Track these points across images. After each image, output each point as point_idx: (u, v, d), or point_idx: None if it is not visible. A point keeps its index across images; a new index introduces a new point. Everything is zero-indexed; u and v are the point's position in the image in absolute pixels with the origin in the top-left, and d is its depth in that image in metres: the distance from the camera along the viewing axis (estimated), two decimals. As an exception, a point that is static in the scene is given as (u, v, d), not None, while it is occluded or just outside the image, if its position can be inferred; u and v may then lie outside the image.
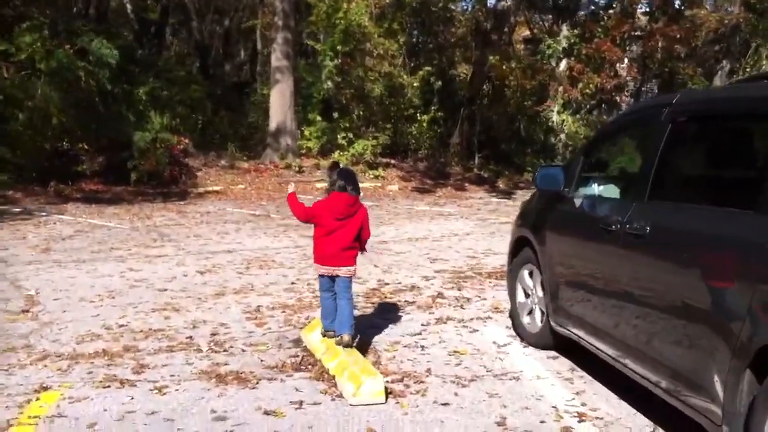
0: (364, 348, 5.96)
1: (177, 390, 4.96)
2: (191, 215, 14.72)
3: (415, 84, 21.95)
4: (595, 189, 5.63)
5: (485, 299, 7.75)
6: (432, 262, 9.88)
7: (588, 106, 24.97)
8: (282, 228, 12.99)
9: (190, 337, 6.23)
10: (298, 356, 5.74)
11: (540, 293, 5.95)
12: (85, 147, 19.61)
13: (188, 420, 4.47)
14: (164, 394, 4.89)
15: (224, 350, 5.89)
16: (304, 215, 5.81)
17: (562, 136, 23.64)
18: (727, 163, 4.22)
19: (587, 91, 22.97)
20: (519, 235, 6.31)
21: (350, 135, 21.66)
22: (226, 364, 5.52)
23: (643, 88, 27.45)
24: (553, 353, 5.88)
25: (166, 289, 8.02)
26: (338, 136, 21.76)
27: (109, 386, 5.01)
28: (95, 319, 6.78)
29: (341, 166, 6.14)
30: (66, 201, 16.30)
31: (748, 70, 25.41)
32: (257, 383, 5.11)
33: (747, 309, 3.34)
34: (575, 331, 5.28)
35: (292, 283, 8.41)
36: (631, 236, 4.38)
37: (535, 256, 5.91)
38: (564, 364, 5.65)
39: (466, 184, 21.12)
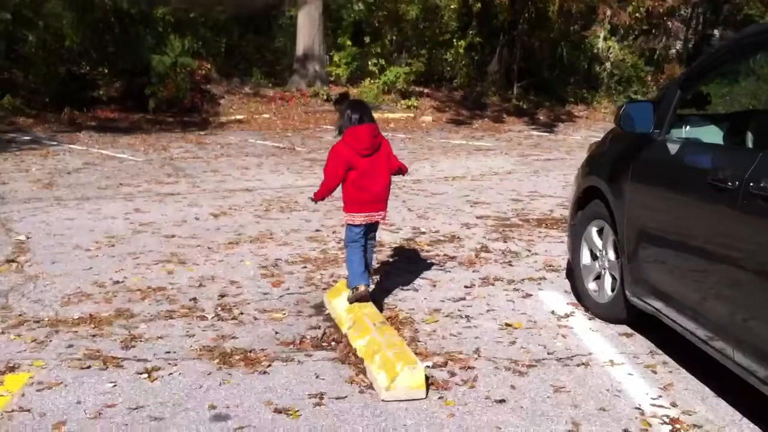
0: (398, 317, 5.01)
1: (171, 374, 4.05)
2: (211, 147, 13.71)
3: (452, 6, 20.46)
4: (694, 131, 4.52)
5: (536, 254, 6.72)
6: (472, 205, 8.83)
7: (636, 32, 23.33)
8: (308, 163, 11.97)
9: (194, 299, 5.30)
10: (319, 328, 4.79)
11: (612, 256, 4.91)
12: (104, 71, 18.58)
13: (180, 419, 3.56)
14: (154, 380, 3.98)
15: (233, 318, 4.96)
16: (333, 174, 4.85)
17: (608, 64, 22.13)
18: None
19: (637, 14, 21.32)
20: (588, 184, 5.22)
21: (382, 62, 20.31)
22: (233, 338, 4.60)
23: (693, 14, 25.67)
24: (626, 329, 4.88)
25: (173, 236, 7.09)
26: (369, 63, 20.45)
27: (89, 366, 4.12)
28: (87, 273, 5.87)
29: (350, 97, 5.10)
30: (79, 129, 15.33)
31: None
32: (269, 366, 4.18)
33: None
34: (658, 305, 4.26)
35: (316, 230, 7.43)
36: (757, 197, 3.31)
37: (609, 212, 4.84)
38: (641, 344, 4.64)
39: (504, 116, 19.77)
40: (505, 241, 7.13)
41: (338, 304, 4.99)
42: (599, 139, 5.66)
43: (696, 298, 3.90)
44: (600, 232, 5.10)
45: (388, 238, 7.06)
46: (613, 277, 4.94)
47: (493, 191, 9.80)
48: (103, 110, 17.07)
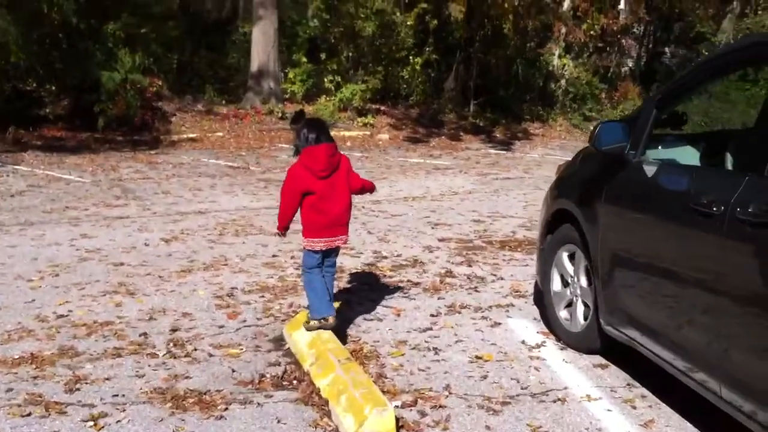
0: (363, 350, 4.75)
1: (119, 422, 3.72)
2: (162, 167, 13.29)
3: (408, 22, 20.31)
4: (669, 152, 4.37)
5: (502, 278, 6.51)
6: (433, 227, 8.62)
7: (590, 50, 23.50)
8: (262, 183, 11.65)
9: (145, 335, 4.96)
10: (279, 365, 4.50)
11: (585, 283, 4.72)
12: (52, 88, 17.97)
13: (128, 475, 3.25)
14: (101, 428, 3.64)
15: (186, 354, 4.63)
16: (289, 198, 4.60)
17: (563, 82, 22.21)
18: None
19: (591, 32, 21.46)
20: (558, 207, 5.03)
21: (338, 78, 20.05)
22: (186, 377, 4.28)
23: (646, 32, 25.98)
24: (600, 360, 4.68)
25: (122, 264, 6.72)
26: (325, 80, 20.17)
27: (29, 414, 3.77)
28: (29, 306, 5.48)
29: (306, 116, 4.85)
30: (25, 149, 14.71)
31: (759, 12, 24.08)
32: (225, 410, 3.87)
33: None
34: (634, 335, 4.08)
35: (274, 255, 7.13)
36: (744, 224, 3.13)
37: (581, 236, 4.66)
38: (617, 376, 4.45)
39: (461, 134, 19.66)
40: (470, 265, 6.92)
41: (299, 337, 4.70)
42: (568, 160, 5.50)
43: (676, 327, 3.73)
44: (571, 257, 4.92)
45: (348, 263, 6.80)
46: (586, 305, 4.76)
47: (454, 212, 9.61)
48: (49, 129, 16.46)
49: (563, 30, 21.20)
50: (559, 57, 22.01)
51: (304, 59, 21.40)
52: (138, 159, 14.15)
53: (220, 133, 17.56)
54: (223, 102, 20.33)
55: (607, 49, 24.18)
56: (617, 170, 4.31)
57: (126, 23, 19.37)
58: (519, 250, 7.56)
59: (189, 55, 23.40)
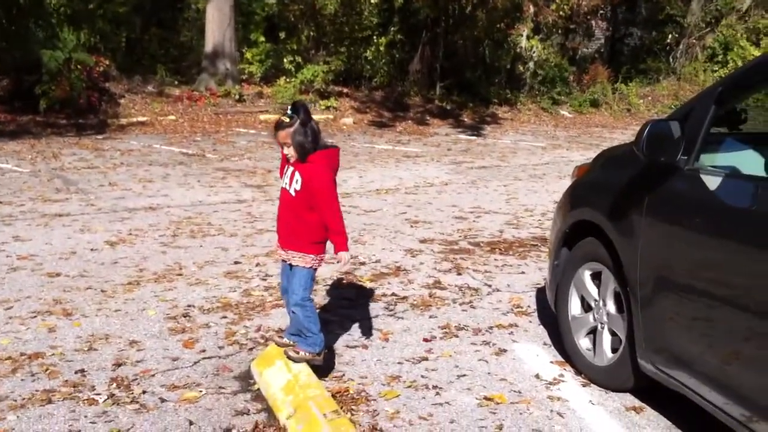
0: (349, 391, 3.92)
1: (40, 507, 2.85)
2: (109, 154, 12.17)
3: (373, 1, 19.33)
4: (728, 158, 3.61)
5: (498, 290, 5.73)
6: (412, 226, 7.79)
7: (559, 32, 22.80)
8: (220, 173, 10.67)
9: (82, 371, 4.07)
10: (248, 413, 3.65)
11: (613, 309, 3.97)
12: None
13: None
14: None
15: (132, 400, 3.75)
16: (338, 204, 3.91)
17: (531, 64, 21.48)
18: None
19: (561, 12, 20.73)
20: (579, 218, 4.25)
21: (298, 59, 19.01)
22: (132, 434, 3.41)
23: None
24: (632, 400, 3.94)
25: (58, 274, 5.77)
26: (284, 60, 19.10)
27: None
28: (-59, 334, 4.54)
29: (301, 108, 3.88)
30: (-42, 133, 13.57)
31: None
32: (181, 485, 3.03)
33: None
34: (687, 380, 3.33)
35: (236, 262, 6.24)
36: None
37: (609, 252, 3.89)
38: (657, 423, 3.70)
39: (428, 117, 18.80)
40: (459, 273, 6.12)
41: (271, 378, 3.85)
42: (587, 162, 4.71)
43: (740, 371, 3.00)
44: (595, 276, 4.16)
45: (321, 272, 5.94)
46: (613, 333, 4.01)
47: (433, 207, 8.79)
48: (-13, 112, 15.24)
49: (532, 10, 20.43)
50: (528, 38, 21.26)
51: (262, 39, 20.32)
52: (83, 145, 13.00)
53: (173, 117, 16.44)
54: (176, 83, 19.15)
55: (577, 30, 23.52)
56: (665, 178, 3.52)
57: (69, -1, 18.13)
58: (511, 253, 6.79)
59: (139, 32, 22.14)
